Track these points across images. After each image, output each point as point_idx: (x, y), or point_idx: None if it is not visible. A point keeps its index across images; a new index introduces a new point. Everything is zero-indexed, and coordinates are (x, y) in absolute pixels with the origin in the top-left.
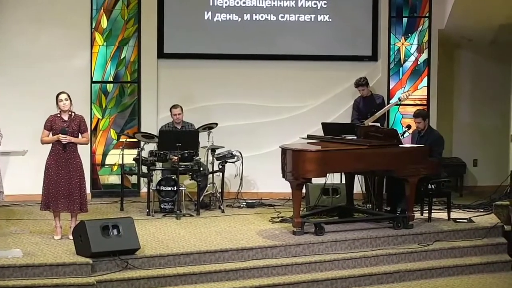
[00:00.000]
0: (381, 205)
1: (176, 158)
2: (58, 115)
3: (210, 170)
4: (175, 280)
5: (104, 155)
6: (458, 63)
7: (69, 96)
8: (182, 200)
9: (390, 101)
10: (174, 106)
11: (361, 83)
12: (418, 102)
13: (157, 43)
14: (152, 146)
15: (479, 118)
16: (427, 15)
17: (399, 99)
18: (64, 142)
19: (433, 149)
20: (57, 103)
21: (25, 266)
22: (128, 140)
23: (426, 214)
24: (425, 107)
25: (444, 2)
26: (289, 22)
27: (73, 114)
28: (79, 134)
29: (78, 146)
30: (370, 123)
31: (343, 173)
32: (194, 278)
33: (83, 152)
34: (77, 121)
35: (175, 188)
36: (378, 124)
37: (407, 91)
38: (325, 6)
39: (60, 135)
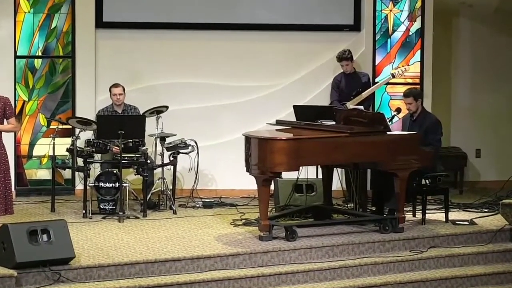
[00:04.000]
0: (365, 204)
1: (118, 148)
2: None
3: (159, 162)
4: None
5: (31, 145)
6: (457, 34)
7: None
8: (125, 199)
9: (376, 79)
10: (115, 85)
11: (345, 56)
12: (410, 81)
13: (95, 10)
14: (89, 134)
15: (482, 100)
16: None
17: (392, 75)
18: None
19: (429, 136)
20: None
21: None
22: (60, 127)
23: (419, 215)
24: (418, 86)
25: None
26: None
27: None
28: (4, 119)
29: (3, 134)
30: (353, 106)
31: (319, 166)
32: None
33: (6, 141)
34: (1, 103)
35: (117, 184)
36: (362, 107)
37: (403, 66)
38: None
39: None
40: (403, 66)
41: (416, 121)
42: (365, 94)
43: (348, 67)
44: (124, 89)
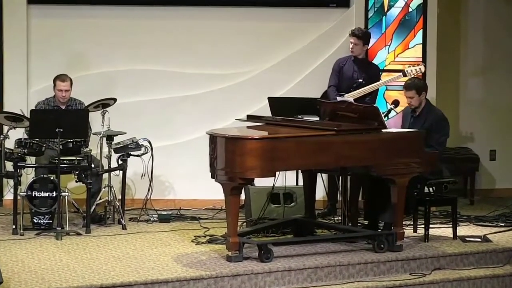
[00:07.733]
0: (356, 217)
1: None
2: None
3: (106, 167)
4: None
5: None
6: (466, 11)
7: None
8: (64, 211)
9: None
10: (61, 78)
11: (356, 33)
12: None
13: None
14: (20, 133)
15: (497, 92)
16: None
17: (404, 74)
18: None
19: (433, 135)
20: None
21: None
22: None
23: (421, 231)
24: (420, 74)
25: None
26: None
27: None
28: None
29: None
30: (350, 99)
31: (299, 171)
32: None
33: None
34: None
35: (54, 194)
36: (351, 100)
37: (419, 65)
38: None
39: None
40: (418, 65)
41: (420, 117)
42: (368, 88)
43: (355, 47)
44: (71, 83)
